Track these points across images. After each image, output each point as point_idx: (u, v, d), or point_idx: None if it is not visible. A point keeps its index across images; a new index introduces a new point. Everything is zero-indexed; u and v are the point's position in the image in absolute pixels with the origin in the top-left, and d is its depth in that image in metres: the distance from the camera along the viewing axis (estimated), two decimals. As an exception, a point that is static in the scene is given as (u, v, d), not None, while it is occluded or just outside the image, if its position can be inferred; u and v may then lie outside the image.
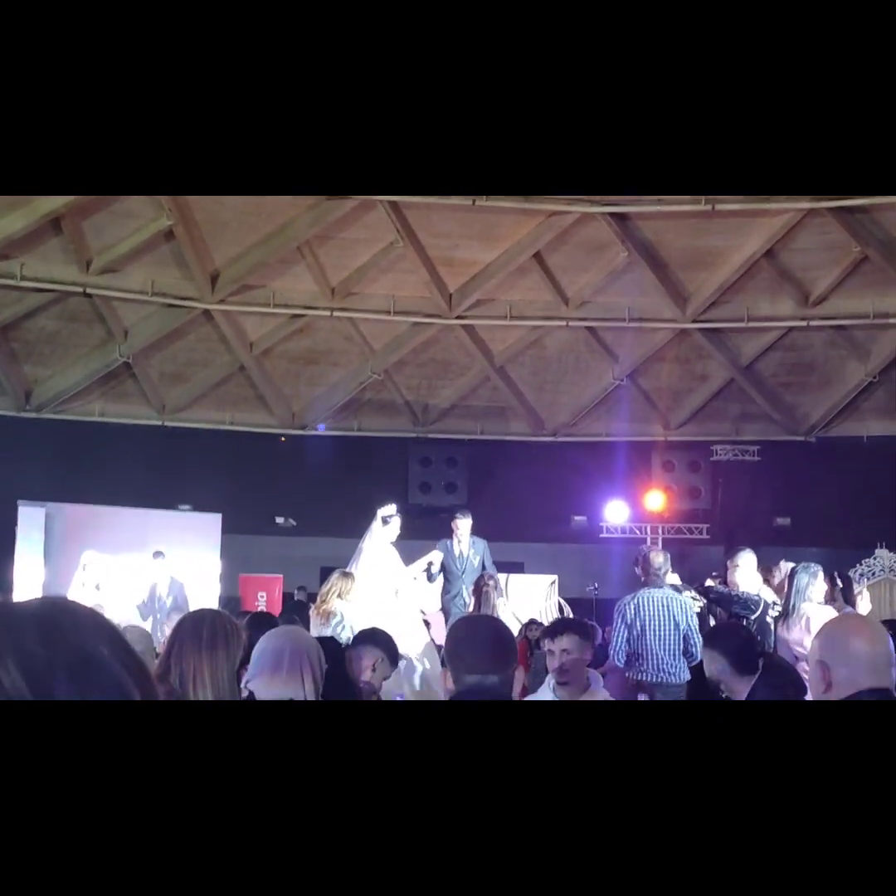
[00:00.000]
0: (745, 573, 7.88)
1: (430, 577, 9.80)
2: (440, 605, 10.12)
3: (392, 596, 8.83)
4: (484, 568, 10.03)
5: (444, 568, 10.02)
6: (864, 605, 7.97)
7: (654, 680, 7.40)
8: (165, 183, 2.45)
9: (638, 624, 7.45)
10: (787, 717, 1.97)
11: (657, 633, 7.43)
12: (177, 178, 2.43)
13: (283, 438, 16.04)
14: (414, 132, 2.37)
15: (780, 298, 14.94)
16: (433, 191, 2.57)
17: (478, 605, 8.77)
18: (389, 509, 9.30)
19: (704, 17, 2.29)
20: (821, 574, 7.05)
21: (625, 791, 1.63)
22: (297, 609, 9.99)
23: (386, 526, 9.12)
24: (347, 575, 8.05)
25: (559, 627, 4.87)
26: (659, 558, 7.67)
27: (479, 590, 8.94)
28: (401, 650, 7.90)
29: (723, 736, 1.79)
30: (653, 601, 7.50)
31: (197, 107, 2.31)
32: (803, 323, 15.08)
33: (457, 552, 10.10)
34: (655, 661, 7.42)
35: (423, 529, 9.54)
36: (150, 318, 15.01)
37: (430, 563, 9.80)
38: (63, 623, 1.19)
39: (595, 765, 1.66)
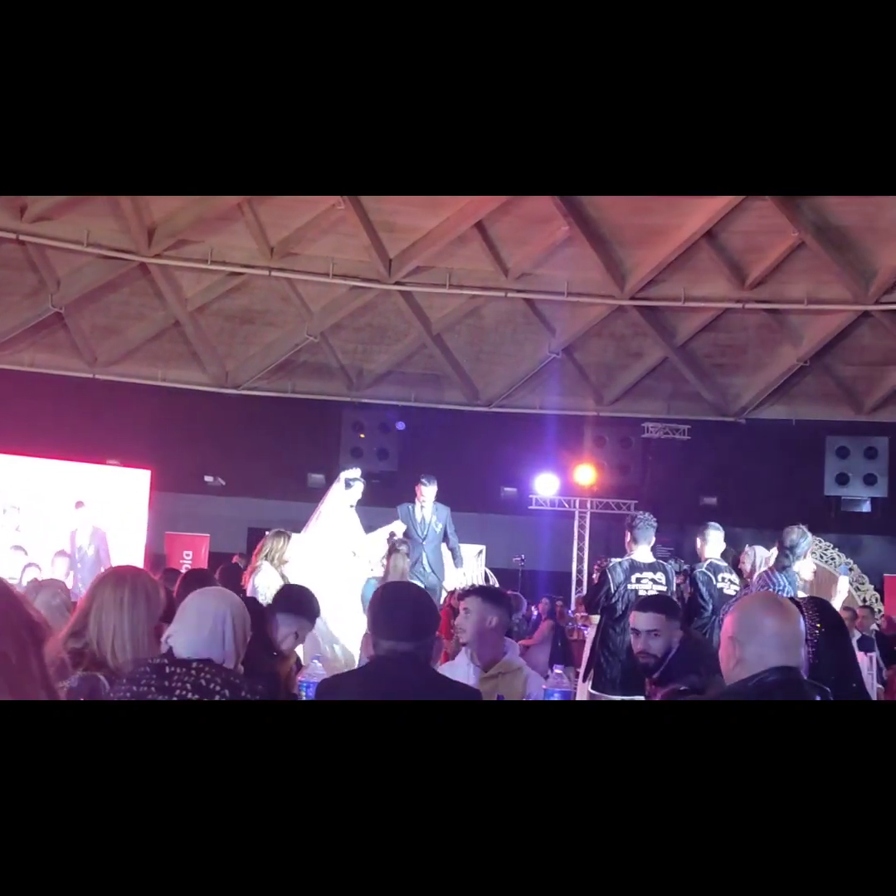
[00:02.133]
0: (713, 548, 7.75)
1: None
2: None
3: (346, 558, 8.70)
4: (447, 535, 9.84)
5: (405, 534, 9.61)
6: (840, 595, 7.74)
7: None
8: (152, 183, 2.44)
9: None
10: (778, 716, 2.00)
11: None
12: (159, 179, 2.41)
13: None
14: (395, 133, 2.36)
15: (718, 280, 15.07)
16: (413, 191, 2.57)
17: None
18: (353, 473, 9.18)
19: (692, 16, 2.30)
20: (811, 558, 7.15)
21: (616, 790, 1.64)
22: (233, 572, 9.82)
23: (348, 489, 8.96)
24: (281, 534, 7.80)
25: (469, 589, 5.10)
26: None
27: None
28: (341, 614, 7.86)
29: (711, 735, 1.81)
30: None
31: (181, 110, 2.29)
32: (739, 305, 15.24)
33: (419, 518, 9.77)
34: None
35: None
36: (84, 268, 14.77)
37: (392, 533, 9.52)
38: None
39: (587, 764, 1.67)
